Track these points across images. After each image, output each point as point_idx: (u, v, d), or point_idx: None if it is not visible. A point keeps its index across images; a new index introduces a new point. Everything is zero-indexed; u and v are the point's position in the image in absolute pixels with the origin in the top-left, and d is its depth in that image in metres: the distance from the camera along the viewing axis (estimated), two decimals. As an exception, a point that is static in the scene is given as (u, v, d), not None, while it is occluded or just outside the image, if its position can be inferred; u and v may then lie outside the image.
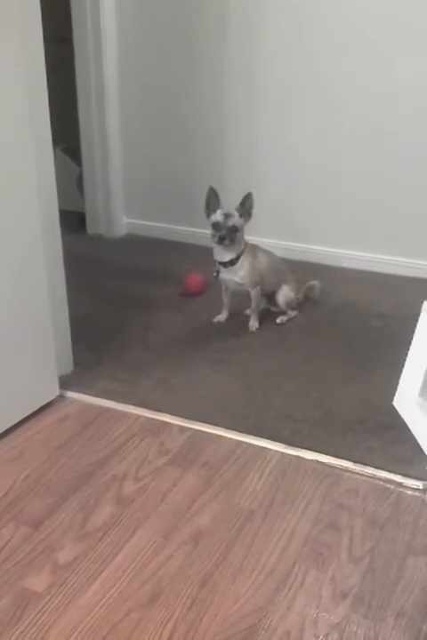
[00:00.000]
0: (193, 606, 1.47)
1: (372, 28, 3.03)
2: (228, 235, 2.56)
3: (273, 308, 2.87)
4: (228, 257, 2.64)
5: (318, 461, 1.95)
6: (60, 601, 1.48)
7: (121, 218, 3.88)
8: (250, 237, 2.72)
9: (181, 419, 2.14)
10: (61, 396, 2.25)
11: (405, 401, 1.84)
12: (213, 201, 2.58)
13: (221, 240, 2.56)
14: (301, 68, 3.22)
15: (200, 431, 2.09)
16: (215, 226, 2.58)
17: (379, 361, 2.46)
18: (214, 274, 2.73)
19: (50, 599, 1.49)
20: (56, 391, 2.24)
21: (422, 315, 1.68)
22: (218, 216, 2.57)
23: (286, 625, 1.43)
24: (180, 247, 3.60)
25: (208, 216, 2.60)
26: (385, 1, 2.99)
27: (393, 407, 1.81)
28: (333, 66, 3.16)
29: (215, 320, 2.82)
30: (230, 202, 2.60)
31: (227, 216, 2.56)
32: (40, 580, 1.54)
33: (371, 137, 3.18)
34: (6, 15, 1.80)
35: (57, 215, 2.21)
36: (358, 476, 1.89)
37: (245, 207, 2.58)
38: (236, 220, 2.57)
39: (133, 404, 2.22)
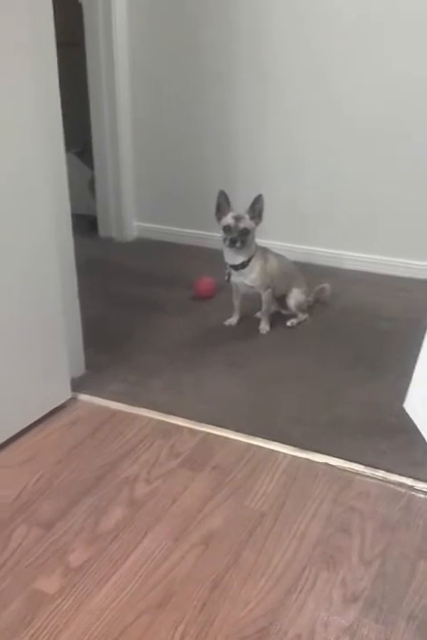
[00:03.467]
0: (204, 609, 1.48)
1: (381, 30, 3.03)
2: (239, 237, 2.56)
3: (284, 311, 2.87)
4: (239, 260, 2.65)
5: (328, 464, 1.95)
6: (71, 603, 1.49)
7: (132, 221, 3.89)
8: (259, 240, 2.72)
9: (193, 421, 2.15)
10: (73, 399, 2.27)
11: (415, 404, 1.84)
12: (223, 204, 2.59)
13: (232, 243, 2.56)
14: (309, 72, 3.22)
15: (211, 434, 2.10)
16: (226, 229, 2.58)
17: (389, 364, 2.46)
18: (226, 277, 2.73)
19: (61, 601, 1.49)
20: (68, 394, 2.25)
21: (432, 318, 1.68)
22: (229, 219, 2.57)
23: (296, 628, 1.43)
24: (190, 250, 3.61)
25: (219, 219, 2.60)
26: (393, 3, 2.99)
27: (404, 410, 1.82)
28: (341, 68, 3.16)
29: (226, 323, 2.83)
30: (240, 205, 2.60)
31: (238, 219, 2.56)
32: (52, 582, 1.55)
33: (380, 138, 3.18)
34: (18, 19, 1.81)
35: (69, 218, 2.22)
36: (369, 479, 1.89)
37: (256, 209, 2.57)
38: (247, 222, 2.57)
39: (145, 407, 2.22)
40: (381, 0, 3.00)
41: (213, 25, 3.36)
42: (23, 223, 1.95)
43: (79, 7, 3.50)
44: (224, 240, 2.59)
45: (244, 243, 2.57)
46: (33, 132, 1.92)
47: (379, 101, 3.12)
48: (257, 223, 2.60)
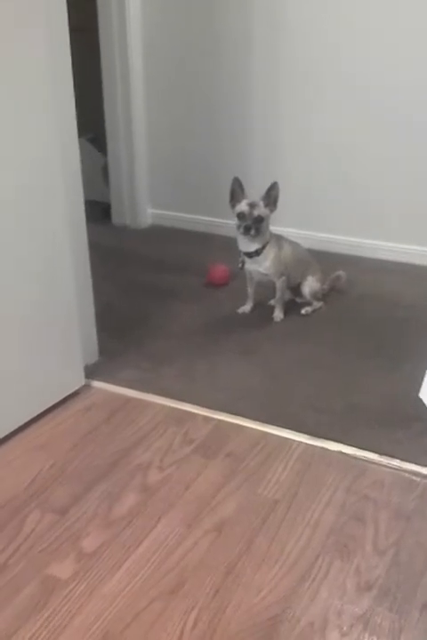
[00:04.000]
0: (217, 596, 1.47)
1: (396, 12, 2.99)
2: (253, 225, 2.54)
3: (298, 299, 2.85)
4: (253, 248, 2.63)
5: (342, 453, 1.94)
6: (84, 588, 1.49)
7: (146, 208, 3.88)
8: (274, 228, 2.70)
9: (206, 409, 2.14)
10: (87, 386, 2.27)
11: (431, 392, 1.82)
12: (237, 191, 2.57)
13: (246, 230, 2.55)
14: (324, 56, 3.19)
15: (224, 421, 2.09)
16: (240, 216, 2.56)
17: (405, 352, 2.44)
18: (239, 265, 2.72)
19: (74, 586, 1.50)
20: (82, 380, 2.25)
21: (449, 305, 1.65)
22: (243, 206, 2.55)
23: (309, 616, 1.42)
24: (204, 238, 3.60)
25: (233, 206, 2.59)
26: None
27: (420, 399, 1.79)
28: (356, 53, 3.12)
29: (240, 311, 2.82)
30: (254, 191, 2.59)
31: (252, 206, 2.54)
32: (65, 567, 1.55)
33: (397, 125, 3.14)
34: (32, 4, 1.80)
35: (82, 205, 2.22)
36: (384, 468, 1.88)
37: (271, 197, 2.55)
38: (261, 209, 2.55)
39: (158, 394, 2.22)
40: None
41: (227, 10, 3.33)
42: (36, 210, 1.95)
43: (93, -8, 3.49)
44: (238, 227, 2.58)
45: (258, 230, 2.56)
46: (46, 118, 1.92)
47: (395, 85, 3.08)
48: (272, 211, 2.58)
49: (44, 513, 1.72)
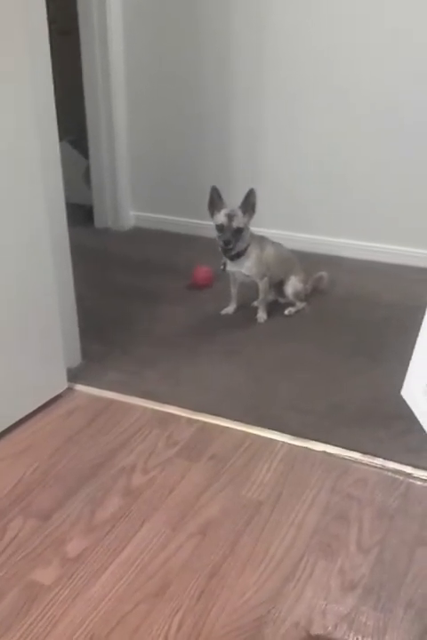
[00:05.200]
0: (201, 598, 1.47)
1: (382, 15, 3.00)
2: (232, 237, 2.55)
3: (281, 300, 2.86)
4: (235, 250, 2.63)
5: (326, 452, 1.94)
6: (68, 593, 1.48)
7: (128, 211, 3.87)
8: (257, 229, 2.70)
9: (189, 410, 2.14)
10: (70, 389, 2.26)
11: (413, 391, 1.83)
12: (215, 199, 2.57)
13: (226, 244, 2.56)
14: (309, 58, 3.19)
15: (208, 423, 2.09)
16: (219, 228, 2.57)
17: (387, 351, 2.45)
18: (221, 267, 2.72)
19: (58, 591, 1.49)
20: (64, 384, 2.24)
21: (430, 304, 1.67)
22: (222, 217, 2.56)
23: (294, 616, 1.42)
24: (187, 240, 3.59)
25: (212, 214, 2.59)
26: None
27: (402, 397, 1.81)
28: (338, 55, 3.13)
29: (223, 312, 2.82)
30: (237, 194, 2.58)
31: (231, 217, 2.55)
32: (48, 572, 1.54)
33: (377, 127, 3.15)
34: (11, 7, 1.79)
35: (64, 208, 2.20)
36: (367, 467, 1.89)
37: (249, 203, 2.56)
38: (239, 220, 2.55)
39: (141, 397, 2.22)
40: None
41: (210, 11, 3.33)
42: (16, 213, 1.93)
43: (73, -6, 3.48)
44: (218, 238, 2.58)
45: (238, 240, 2.57)
46: (26, 120, 1.90)
47: (380, 88, 3.09)
48: (250, 217, 2.58)
49: (26, 518, 1.70)
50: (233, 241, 2.55)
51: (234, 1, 3.25)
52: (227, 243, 2.55)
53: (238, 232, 2.56)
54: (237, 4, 3.25)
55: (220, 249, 2.64)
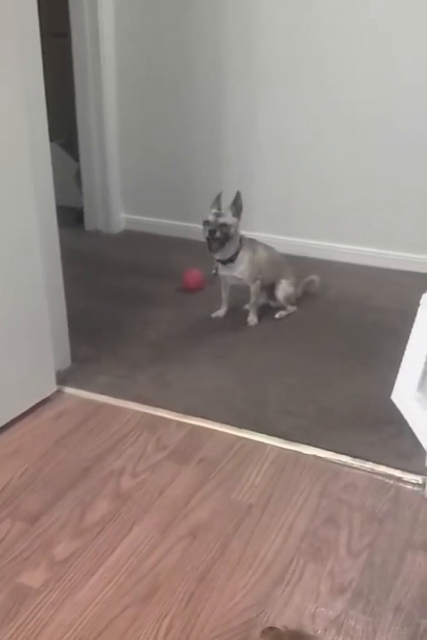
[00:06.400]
0: (190, 602, 1.46)
1: (375, 19, 3.02)
2: (218, 229, 2.55)
3: (272, 303, 2.86)
4: (226, 255, 2.64)
5: (316, 456, 1.94)
6: (56, 597, 1.47)
7: (119, 213, 3.86)
8: (249, 232, 2.71)
9: (179, 414, 2.13)
10: (59, 392, 2.24)
11: (403, 395, 1.83)
12: (215, 204, 2.60)
13: (211, 234, 2.56)
14: (300, 61, 3.20)
15: (198, 426, 2.08)
16: (206, 223, 2.58)
17: (377, 355, 2.46)
18: (213, 271, 2.72)
19: (46, 595, 1.48)
20: (53, 387, 2.23)
21: (419, 309, 1.67)
22: (209, 215, 2.58)
23: (283, 620, 1.42)
24: (178, 243, 3.59)
25: None
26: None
27: (392, 401, 1.81)
28: (333, 58, 3.14)
29: (214, 315, 2.81)
30: (228, 198, 2.59)
31: (218, 214, 2.57)
32: (36, 575, 1.53)
33: (369, 131, 3.17)
34: (2, 9, 1.78)
35: (54, 210, 2.20)
36: (357, 471, 1.89)
37: (237, 206, 2.59)
38: (227, 218, 2.57)
39: (131, 400, 2.21)
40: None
41: (202, 15, 3.34)
42: (6, 214, 1.92)
43: (66, -3, 3.47)
44: (203, 232, 2.59)
45: (226, 235, 2.57)
46: (17, 122, 1.90)
47: (371, 94, 3.11)
48: (238, 219, 2.60)
49: (14, 521, 1.69)
50: (219, 231, 2.56)
51: (226, 6, 3.26)
52: (212, 232, 2.56)
53: (224, 226, 2.57)
54: (229, 9, 3.26)
55: (206, 241, 2.63)
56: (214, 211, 2.59)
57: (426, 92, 3.00)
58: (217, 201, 2.60)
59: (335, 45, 3.13)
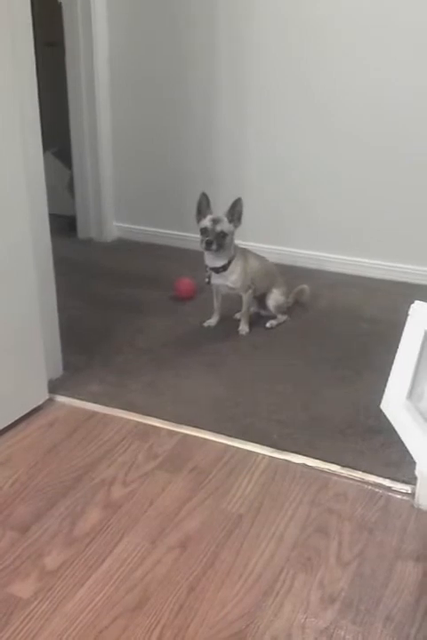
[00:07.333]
0: (180, 612, 1.47)
1: (366, 33, 3.04)
2: (215, 240, 2.55)
3: (263, 313, 2.87)
4: (219, 263, 2.64)
5: (306, 465, 1.95)
6: (46, 607, 1.47)
7: (112, 222, 3.87)
8: (240, 242, 2.71)
9: (170, 423, 2.14)
10: (50, 400, 2.24)
11: (392, 404, 1.84)
12: (204, 207, 2.58)
13: (208, 245, 2.56)
14: (292, 73, 3.23)
15: (189, 435, 2.08)
16: (203, 231, 2.58)
17: (367, 364, 2.47)
18: (206, 280, 2.73)
19: (36, 605, 1.48)
20: (45, 395, 2.23)
21: (409, 318, 1.68)
22: (206, 221, 2.57)
23: (273, 630, 1.42)
24: (171, 251, 3.60)
25: (198, 221, 2.60)
26: (383, 5, 2.99)
27: (381, 411, 1.81)
28: (324, 70, 3.16)
29: (205, 324, 2.82)
30: (221, 206, 2.60)
31: (215, 221, 2.56)
32: (26, 586, 1.53)
33: (360, 142, 3.19)
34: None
35: (47, 218, 2.20)
36: (347, 480, 1.89)
37: (235, 213, 2.57)
38: (224, 225, 2.56)
39: (123, 408, 2.21)
40: (365, 3, 3.02)
41: (195, 26, 3.36)
42: (-1, 222, 1.93)
43: (59, 6, 3.48)
44: (201, 242, 2.59)
45: (221, 245, 2.57)
46: (10, 130, 1.90)
47: (361, 105, 3.13)
48: (236, 226, 2.60)
49: (5, 530, 1.69)
50: (215, 242, 2.55)
51: (219, 16, 3.28)
52: (209, 243, 2.55)
53: (221, 236, 2.56)
54: (222, 18, 3.28)
55: (205, 257, 2.65)
56: (211, 217, 2.57)
57: (418, 104, 3.03)
58: (207, 205, 2.58)
59: (327, 59, 3.15)
